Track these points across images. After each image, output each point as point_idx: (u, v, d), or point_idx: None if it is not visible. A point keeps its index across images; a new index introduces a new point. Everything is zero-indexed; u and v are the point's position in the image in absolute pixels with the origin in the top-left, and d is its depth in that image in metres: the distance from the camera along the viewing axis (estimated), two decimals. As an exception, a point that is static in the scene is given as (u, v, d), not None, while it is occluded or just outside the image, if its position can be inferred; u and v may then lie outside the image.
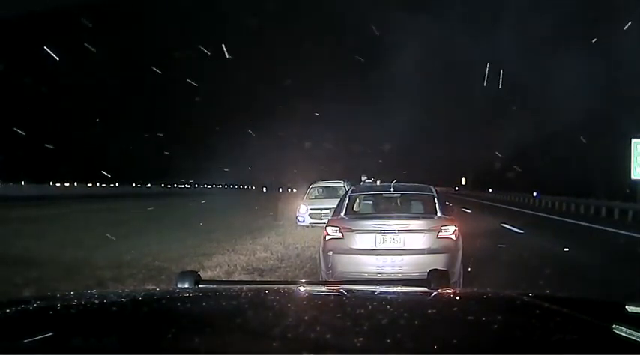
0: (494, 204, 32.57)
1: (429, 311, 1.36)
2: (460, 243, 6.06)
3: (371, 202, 7.31)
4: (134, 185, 65.92)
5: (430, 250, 5.85)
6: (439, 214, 6.28)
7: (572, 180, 30.04)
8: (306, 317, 1.18)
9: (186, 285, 1.54)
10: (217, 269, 7.66)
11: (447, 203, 7.40)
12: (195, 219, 16.31)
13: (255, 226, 14.64)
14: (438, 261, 5.51)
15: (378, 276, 5.67)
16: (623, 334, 1.11)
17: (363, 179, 15.63)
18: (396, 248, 5.91)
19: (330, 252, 6.01)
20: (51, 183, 53.75)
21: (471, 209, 23.11)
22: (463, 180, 64.49)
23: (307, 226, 13.74)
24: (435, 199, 6.54)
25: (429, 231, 5.98)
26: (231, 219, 17.24)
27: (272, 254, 9.44)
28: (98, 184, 61.79)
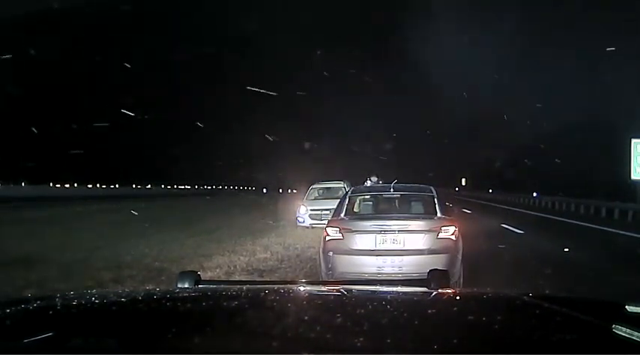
0: (495, 205, 32.55)
1: (429, 311, 1.35)
2: (460, 243, 6.05)
3: (371, 203, 7.30)
4: (134, 186, 65.81)
5: (430, 250, 5.84)
6: (439, 214, 6.27)
7: (572, 180, 30.06)
8: (306, 317, 1.18)
9: (186, 285, 1.54)
10: (217, 270, 7.66)
11: (448, 204, 7.40)
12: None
13: (256, 227, 14.64)
14: (438, 262, 5.50)
15: (378, 277, 5.66)
16: (623, 334, 1.11)
17: (373, 179, 14.06)
18: (396, 248, 5.90)
19: (330, 253, 6.00)
20: (51, 184, 53.68)
21: (471, 209, 23.10)
22: (463, 180, 64.56)
23: (307, 227, 13.73)
24: (435, 199, 6.53)
25: (429, 231, 5.97)
26: (232, 219, 17.27)
27: (272, 254, 9.43)
28: (98, 185, 61.74)
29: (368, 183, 14.03)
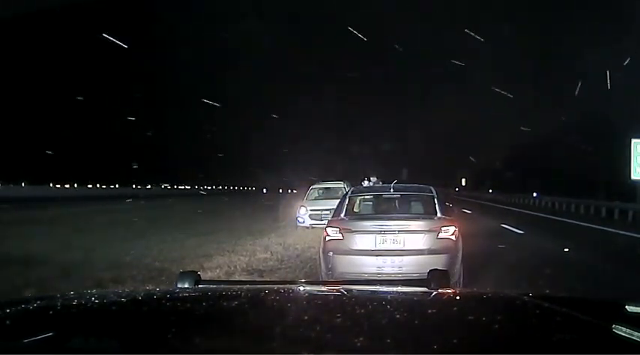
0: (495, 205, 32.55)
1: (429, 311, 1.35)
2: (460, 243, 6.05)
3: (371, 203, 7.30)
4: (134, 186, 65.73)
5: (430, 251, 5.84)
6: (439, 214, 6.27)
7: (572, 180, 30.05)
8: (306, 317, 1.18)
9: (187, 285, 1.55)
10: (217, 270, 7.66)
11: (448, 204, 7.40)
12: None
13: (256, 227, 14.64)
14: (438, 262, 5.50)
15: (378, 277, 5.66)
16: (623, 334, 1.11)
17: (372, 179, 13.76)
18: (396, 248, 5.90)
19: (330, 253, 6.00)
20: (51, 185, 53.67)
21: (471, 209, 23.10)
22: (463, 180, 64.57)
23: (307, 227, 13.73)
24: (435, 199, 6.53)
25: (428, 231, 5.97)
26: (231, 220, 17.27)
27: (272, 255, 9.43)
28: (98, 185, 61.72)
29: (365, 184, 13.78)
